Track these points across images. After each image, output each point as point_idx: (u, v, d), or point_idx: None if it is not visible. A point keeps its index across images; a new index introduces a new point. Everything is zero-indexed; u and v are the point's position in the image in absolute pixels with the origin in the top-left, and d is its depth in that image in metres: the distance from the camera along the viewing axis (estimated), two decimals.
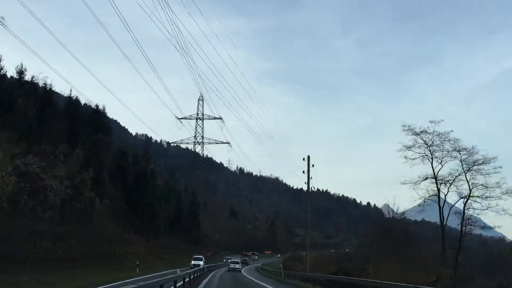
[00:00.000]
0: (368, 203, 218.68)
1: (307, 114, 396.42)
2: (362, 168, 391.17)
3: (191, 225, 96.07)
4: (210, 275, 43.41)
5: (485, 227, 43.42)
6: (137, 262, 41.99)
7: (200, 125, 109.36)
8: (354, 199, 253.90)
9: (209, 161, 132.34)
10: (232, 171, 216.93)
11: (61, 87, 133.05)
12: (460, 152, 40.93)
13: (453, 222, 42.63)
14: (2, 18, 39.52)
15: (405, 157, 42.41)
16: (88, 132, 58.57)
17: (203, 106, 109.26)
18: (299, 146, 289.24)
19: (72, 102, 63.21)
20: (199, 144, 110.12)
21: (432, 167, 42.07)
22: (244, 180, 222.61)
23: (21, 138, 49.18)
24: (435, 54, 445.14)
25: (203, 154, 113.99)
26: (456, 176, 41.22)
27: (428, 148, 42.01)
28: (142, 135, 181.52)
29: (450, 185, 41.52)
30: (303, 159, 42.16)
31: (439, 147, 41.78)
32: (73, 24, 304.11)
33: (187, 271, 29.70)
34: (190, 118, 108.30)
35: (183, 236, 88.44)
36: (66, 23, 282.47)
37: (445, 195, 41.85)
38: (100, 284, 25.00)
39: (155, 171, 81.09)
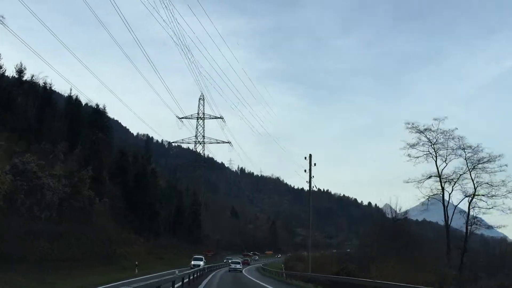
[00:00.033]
0: (369, 203, 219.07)
1: (307, 114, 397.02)
2: (362, 168, 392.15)
3: (192, 225, 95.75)
4: (211, 275, 43.07)
5: (490, 227, 42.92)
6: (136, 262, 41.61)
7: (201, 124, 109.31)
8: (355, 199, 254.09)
9: (210, 161, 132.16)
10: (233, 171, 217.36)
11: (62, 87, 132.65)
12: (465, 150, 40.59)
13: (457, 222, 42.14)
14: (2, 17, 39.32)
15: (409, 155, 42.12)
16: (88, 132, 58.42)
17: (204, 106, 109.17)
18: (300, 146, 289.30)
19: (72, 102, 63.28)
20: (200, 143, 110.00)
21: (436, 165, 41.73)
22: (245, 180, 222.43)
23: (20, 137, 48.99)
24: (435, 54, 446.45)
25: (204, 154, 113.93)
26: (460, 175, 40.96)
27: (432, 146, 41.67)
28: (143, 135, 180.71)
29: (454, 184, 41.26)
30: (305, 158, 42.11)
31: (443, 145, 41.48)
32: (74, 24, 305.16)
33: (187, 272, 29.29)
34: (191, 117, 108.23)
35: (184, 236, 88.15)
36: (67, 23, 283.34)
37: (450, 194, 41.45)
38: (100, 284, 24.80)
39: (156, 171, 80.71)
